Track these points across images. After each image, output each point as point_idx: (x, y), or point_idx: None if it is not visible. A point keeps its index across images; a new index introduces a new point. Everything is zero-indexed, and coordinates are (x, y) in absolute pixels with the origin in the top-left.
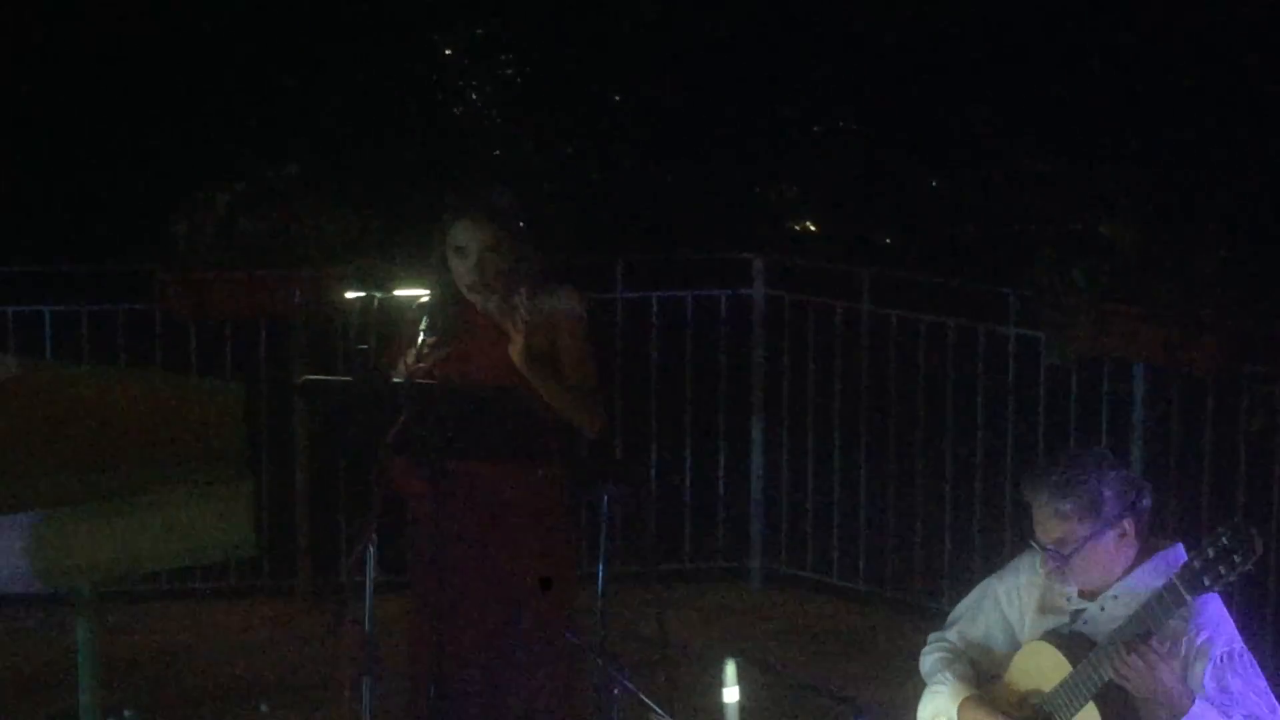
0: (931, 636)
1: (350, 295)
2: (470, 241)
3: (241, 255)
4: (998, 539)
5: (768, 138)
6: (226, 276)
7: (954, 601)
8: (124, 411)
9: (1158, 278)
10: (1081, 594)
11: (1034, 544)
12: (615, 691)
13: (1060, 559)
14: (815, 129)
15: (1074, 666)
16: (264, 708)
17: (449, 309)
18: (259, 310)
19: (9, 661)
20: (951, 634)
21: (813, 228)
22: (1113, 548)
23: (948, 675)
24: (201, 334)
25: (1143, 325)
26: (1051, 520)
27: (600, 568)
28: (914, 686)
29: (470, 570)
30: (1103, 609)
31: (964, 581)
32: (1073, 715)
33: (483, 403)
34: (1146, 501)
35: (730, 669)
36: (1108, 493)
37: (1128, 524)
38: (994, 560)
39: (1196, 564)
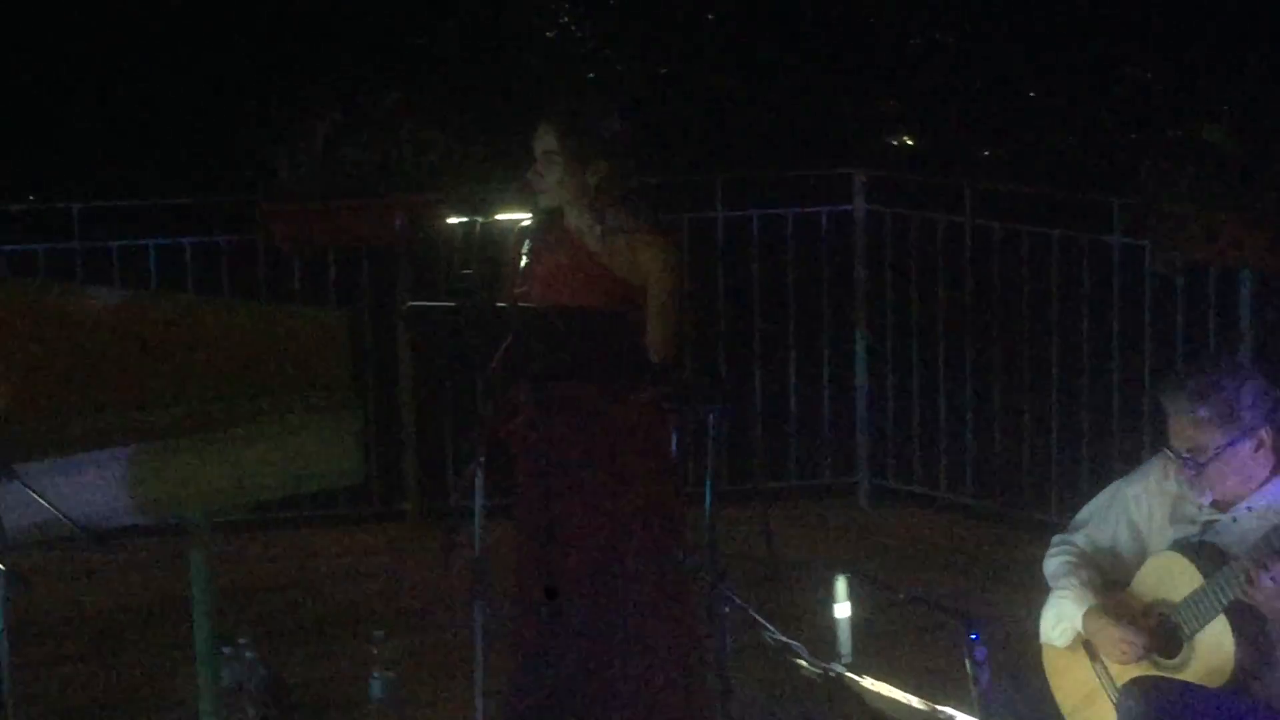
0: (1056, 539)
1: (452, 221)
2: (537, 143)
3: (342, 184)
4: (1105, 450)
5: (865, 52)
6: (328, 206)
7: (1063, 514)
8: (230, 341)
9: (1263, 182)
10: (1214, 505)
11: (1169, 452)
12: (725, 610)
13: (1196, 466)
14: (912, 41)
15: (1205, 578)
16: (378, 633)
17: (545, 230)
18: (361, 239)
19: (127, 592)
20: (1078, 537)
21: (910, 142)
22: (1249, 457)
23: (1073, 580)
24: (304, 263)
25: (1250, 231)
26: (1188, 427)
27: (707, 487)
28: (1025, 599)
29: (576, 494)
30: (1235, 520)
31: (1072, 493)
32: (1202, 627)
33: (586, 324)
34: None
35: (841, 584)
36: (1245, 400)
37: (1265, 434)
38: (1102, 471)
39: None
